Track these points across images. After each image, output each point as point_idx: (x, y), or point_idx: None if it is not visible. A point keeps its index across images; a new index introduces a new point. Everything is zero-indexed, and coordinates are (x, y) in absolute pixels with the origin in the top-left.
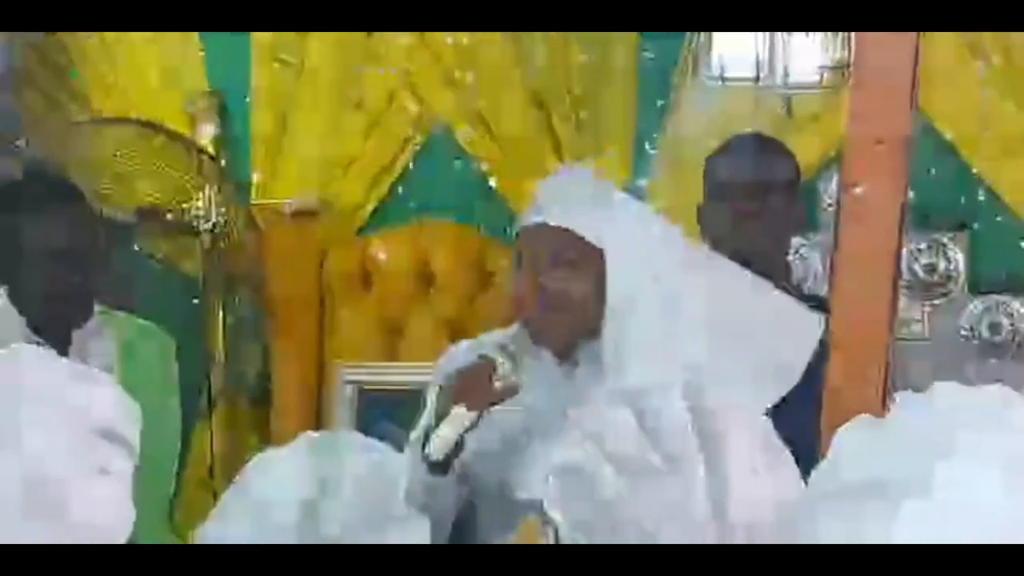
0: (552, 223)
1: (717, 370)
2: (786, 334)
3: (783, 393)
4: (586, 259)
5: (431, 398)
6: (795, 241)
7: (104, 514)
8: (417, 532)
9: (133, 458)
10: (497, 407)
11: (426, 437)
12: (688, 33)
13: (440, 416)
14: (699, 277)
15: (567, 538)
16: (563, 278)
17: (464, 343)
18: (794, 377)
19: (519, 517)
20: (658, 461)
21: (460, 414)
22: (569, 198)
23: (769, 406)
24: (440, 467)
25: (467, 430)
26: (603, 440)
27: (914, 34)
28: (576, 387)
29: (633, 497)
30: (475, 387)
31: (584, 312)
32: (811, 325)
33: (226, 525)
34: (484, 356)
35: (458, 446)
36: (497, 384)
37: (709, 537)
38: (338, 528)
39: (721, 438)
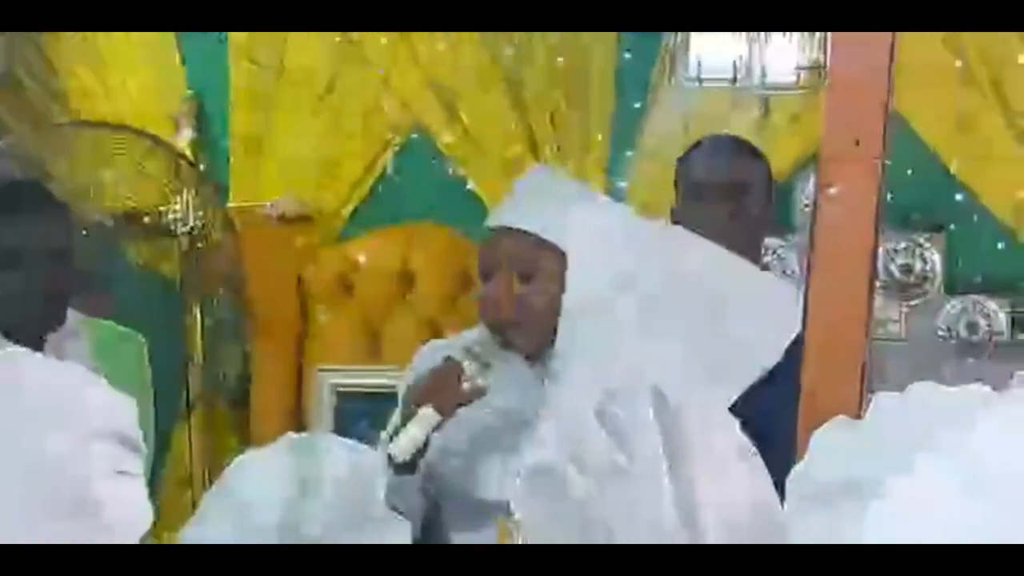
0: (516, 226)
1: (695, 357)
2: (765, 308)
3: (767, 368)
4: (551, 262)
5: (401, 396)
6: (772, 242)
7: (126, 512)
8: (397, 533)
9: (143, 456)
10: (464, 409)
11: (392, 437)
12: (666, 34)
13: (406, 416)
14: (670, 267)
15: (533, 540)
16: (528, 283)
17: (435, 342)
18: (778, 352)
19: (486, 518)
20: (623, 461)
21: (427, 414)
22: (533, 199)
23: (745, 392)
24: (406, 467)
25: (433, 430)
26: (570, 441)
27: (890, 34)
28: (545, 389)
29: (600, 498)
30: (442, 388)
31: (551, 316)
32: (789, 295)
33: (206, 527)
34: (451, 358)
35: (424, 446)
36: (464, 386)
37: (678, 539)
38: (319, 529)
39: (687, 438)
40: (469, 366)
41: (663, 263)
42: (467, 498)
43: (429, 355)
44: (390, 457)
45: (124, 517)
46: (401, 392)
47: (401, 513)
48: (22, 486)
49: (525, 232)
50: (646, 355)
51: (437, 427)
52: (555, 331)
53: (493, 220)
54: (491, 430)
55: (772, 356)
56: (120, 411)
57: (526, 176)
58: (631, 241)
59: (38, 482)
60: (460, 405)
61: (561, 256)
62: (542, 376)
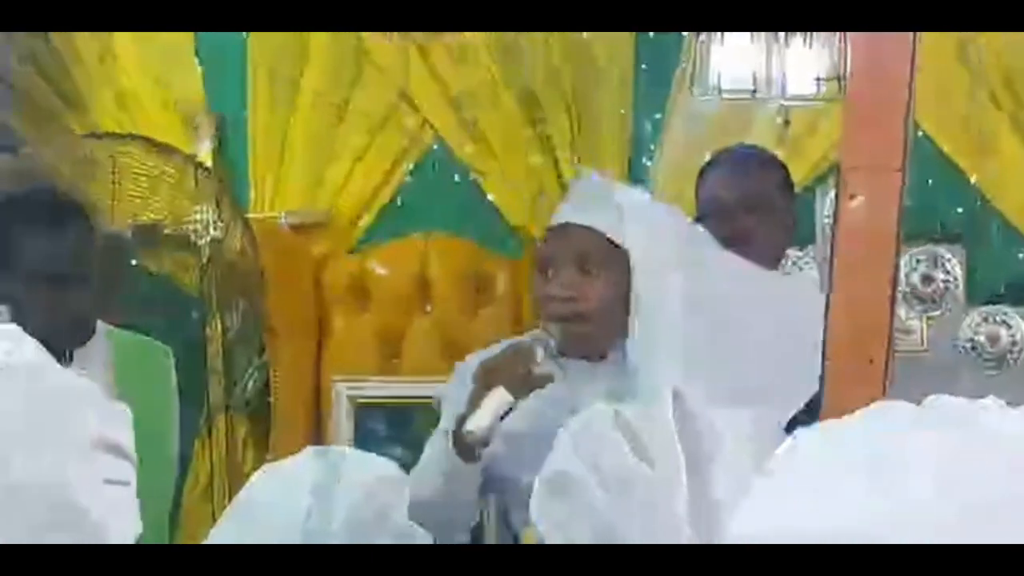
0: (584, 223)
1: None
2: (800, 310)
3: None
4: (617, 259)
5: (465, 382)
6: (793, 253)
7: (113, 520)
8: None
9: (133, 464)
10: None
11: (459, 423)
12: (684, 46)
13: (477, 396)
14: (721, 274)
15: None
16: (594, 278)
17: (478, 353)
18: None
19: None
20: (642, 468)
21: (501, 394)
22: (596, 198)
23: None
24: (470, 453)
25: (506, 413)
26: (588, 447)
27: (910, 44)
28: (601, 384)
29: (617, 505)
30: (516, 369)
31: (611, 315)
32: (814, 289)
33: (227, 538)
34: (522, 343)
35: (491, 433)
36: (536, 371)
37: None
38: (339, 540)
39: (709, 449)
40: (539, 352)
41: (725, 280)
42: (516, 486)
43: (469, 368)
44: (460, 437)
45: (111, 525)
46: (465, 376)
47: (454, 504)
48: (7, 495)
49: (590, 228)
50: (713, 364)
51: (509, 410)
52: (613, 331)
53: (558, 218)
54: (547, 419)
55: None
56: (112, 420)
57: (584, 179)
58: (691, 247)
59: (24, 492)
60: (531, 389)
61: (624, 254)
62: (596, 371)
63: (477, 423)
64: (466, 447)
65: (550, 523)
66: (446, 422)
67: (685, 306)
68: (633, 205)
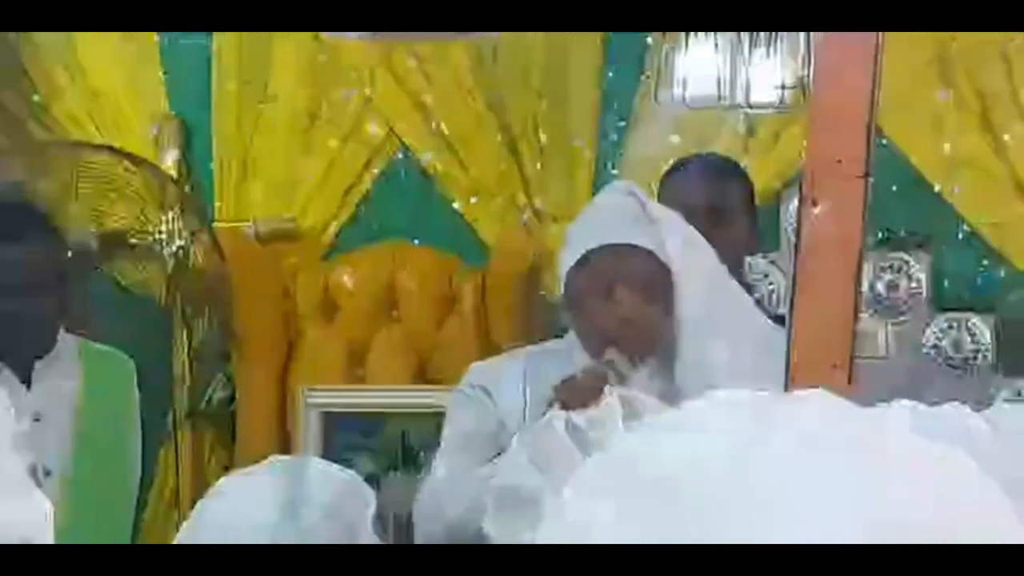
0: (632, 243)
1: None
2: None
3: None
4: (665, 281)
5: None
6: (757, 261)
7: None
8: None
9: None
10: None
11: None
12: (650, 53)
13: (546, 411)
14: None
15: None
16: (650, 299)
17: (490, 361)
18: None
19: None
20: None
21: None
22: (636, 216)
23: None
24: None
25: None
26: (544, 459)
27: (873, 52)
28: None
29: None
30: (589, 394)
31: (660, 334)
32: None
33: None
34: (598, 367)
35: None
36: (605, 395)
37: None
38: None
39: None
40: (611, 376)
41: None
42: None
43: (480, 373)
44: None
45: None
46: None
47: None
48: None
49: (642, 248)
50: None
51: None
52: (656, 348)
53: (603, 237)
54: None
55: None
56: None
57: (617, 192)
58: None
59: None
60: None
61: (668, 272)
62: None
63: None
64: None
65: (505, 534)
66: (466, 423)
67: (726, 320)
68: (668, 221)
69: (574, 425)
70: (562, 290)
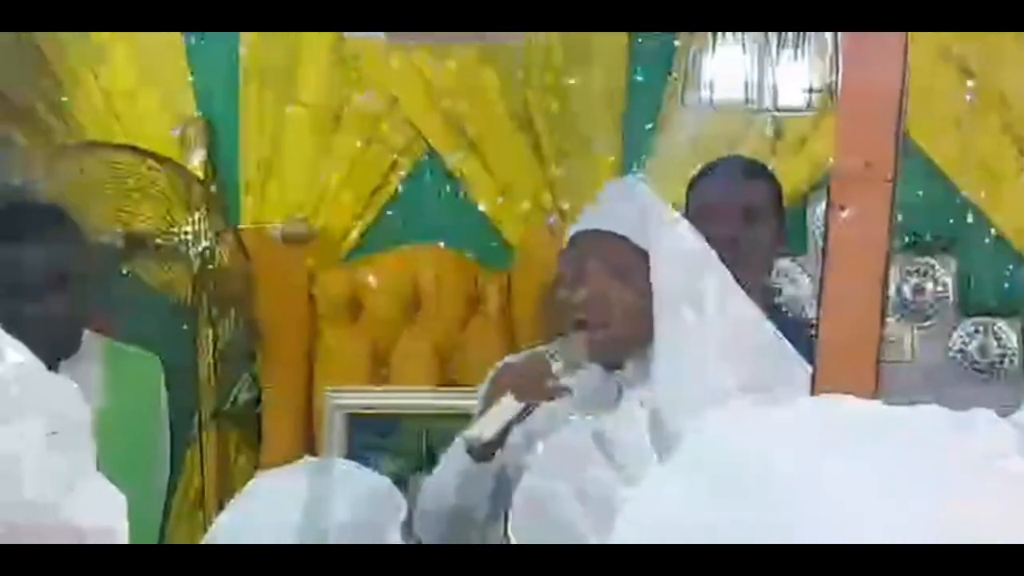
0: (609, 229)
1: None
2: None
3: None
4: (636, 266)
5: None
6: (785, 264)
7: (97, 516)
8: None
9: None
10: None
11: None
12: (676, 55)
13: (487, 403)
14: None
15: None
16: (621, 285)
17: (509, 358)
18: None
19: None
20: (620, 486)
21: (508, 403)
22: (621, 204)
23: None
24: (480, 454)
25: (513, 421)
26: (568, 464)
27: (901, 57)
28: (615, 396)
29: (596, 523)
30: (527, 379)
31: (634, 323)
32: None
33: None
34: (537, 353)
35: (502, 437)
36: (549, 382)
37: None
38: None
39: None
40: (556, 364)
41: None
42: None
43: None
44: (467, 440)
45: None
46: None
47: (466, 506)
48: None
49: (613, 234)
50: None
51: (519, 419)
52: (636, 339)
53: (581, 224)
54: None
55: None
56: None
57: (613, 183)
58: (700, 259)
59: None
60: (543, 399)
61: (646, 260)
62: (612, 382)
63: (480, 429)
64: (473, 450)
65: (527, 539)
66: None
67: (704, 315)
68: (657, 210)
69: (599, 432)
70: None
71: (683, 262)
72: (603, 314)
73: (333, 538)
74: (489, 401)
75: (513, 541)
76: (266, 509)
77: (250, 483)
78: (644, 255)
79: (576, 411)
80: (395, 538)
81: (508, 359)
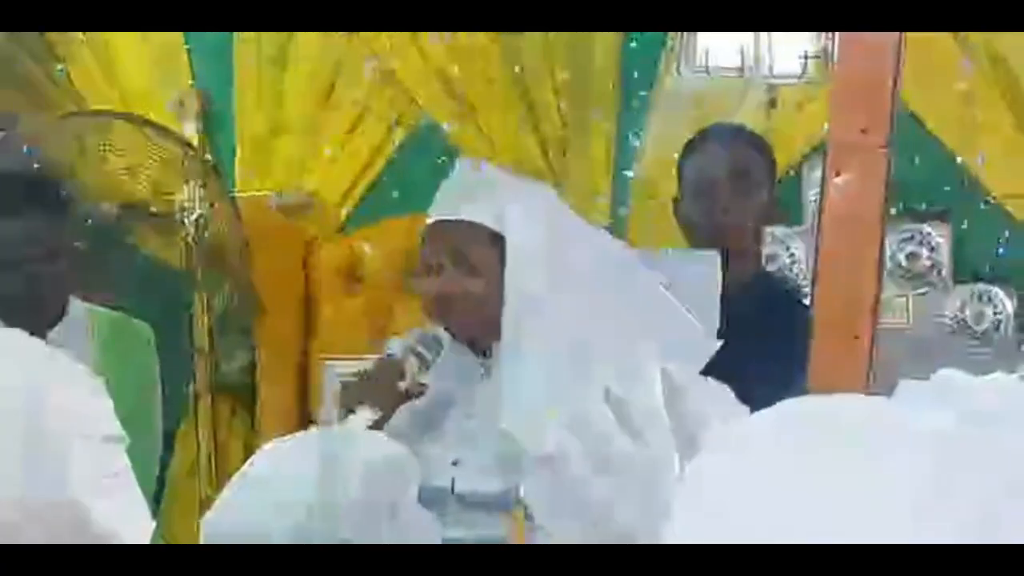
0: (469, 218)
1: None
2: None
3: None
4: (497, 253)
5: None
6: (780, 231)
7: (123, 520)
8: (426, 532)
9: (124, 443)
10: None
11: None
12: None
13: (345, 414)
14: (601, 266)
15: (543, 528)
16: (476, 275)
17: (395, 341)
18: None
19: (432, 504)
20: (634, 452)
21: (364, 414)
22: (478, 190)
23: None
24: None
25: (379, 425)
26: (582, 432)
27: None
28: (492, 380)
29: (607, 484)
30: (379, 387)
31: (495, 310)
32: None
33: (232, 508)
34: (391, 356)
35: None
36: (402, 385)
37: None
38: (346, 524)
39: (697, 428)
40: (411, 364)
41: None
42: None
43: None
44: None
45: (122, 526)
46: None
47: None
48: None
49: (471, 223)
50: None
51: (377, 425)
52: (498, 321)
53: (437, 212)
54: (428, 416)
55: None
56: (97, 407)
57: (459, 167)
58: (563, 231)
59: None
60: (398, 404)
61: (501, 246)
62: (483, 365)
63: None
64: None
65: (538, 498)
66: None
67: (553, 292)
68: (512, 193)
69: (615, 396)
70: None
71: (535, 224)
72: (461, 304)
73: (348, 501)
74: (343, 414)
75: (527, 501)
76: (279, 475)
77: (262, 448)
78: (499, 241)
79: (437, 405)
80: (407, 508)
81: (362, 367)
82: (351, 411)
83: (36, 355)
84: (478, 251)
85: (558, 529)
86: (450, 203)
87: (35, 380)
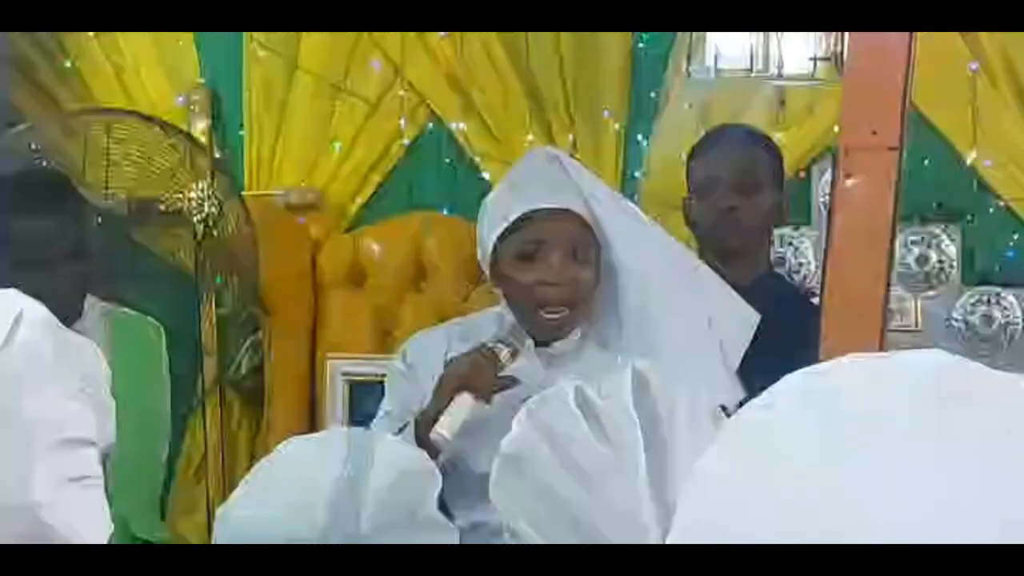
0: (569, 208)
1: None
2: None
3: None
4: (593, 244)
5: (393, 383)
6: (789, 232)
7: (82, 525)
8: (444, 535)
9: (100, 446)
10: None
11: (425, 423)
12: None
13: (441, 401)
14: (664, 261)
15: (507, 524)
16: (584, 263)
17: (442, 328)
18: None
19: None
20: (602, 448)
21: (464, 400)
22: (564, 182)
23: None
24: (432, 450)
25: (470, 416)
26: (549, 426)
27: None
28: (553, 372)
29: (575, 485)
30: (479, 375)
31: (590, 294)
32: (747, 316)
33: (249, 503)
34: (485, 345)
35: (455, 437)
36: (499, 374)
37: (652, 532)
38: (367, 524)
39: (667, 426)
40: (504, 354)
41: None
42: (470, 475)
43: (422, 342)
44: (424, 436)
45: (79, 529)
46: (392, 375)
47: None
48: None
49: (571, 212)
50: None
51: (474, 414)
52: (585, 317)
53: (524, 206)
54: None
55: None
56: (73, 415)
57: (530, 159)
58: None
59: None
60: (496, 391)
61: (594, 232)
62: (549, 359)
63: (448, 429)
64: (429, 445)
65: (507, 500)
66: (389, 404)
67: (642, 285)
68: (592, 184)
69: (585, 396)
70: (487, 259)
71: (636, 233)
72: (572, 294)
73: (370, 505)
74: (442, 399)
75: (492, 501)
76: (302, 472)
77: (284, 443)
78: (592, 233)
79: (522, 400)
80: (425, 512)
81: (453, 354)
82: (448, 400)
83: (15, 355)
84: (589, 240)
85: (523, 530)
86: (536, 192)
87: (9, 380)
